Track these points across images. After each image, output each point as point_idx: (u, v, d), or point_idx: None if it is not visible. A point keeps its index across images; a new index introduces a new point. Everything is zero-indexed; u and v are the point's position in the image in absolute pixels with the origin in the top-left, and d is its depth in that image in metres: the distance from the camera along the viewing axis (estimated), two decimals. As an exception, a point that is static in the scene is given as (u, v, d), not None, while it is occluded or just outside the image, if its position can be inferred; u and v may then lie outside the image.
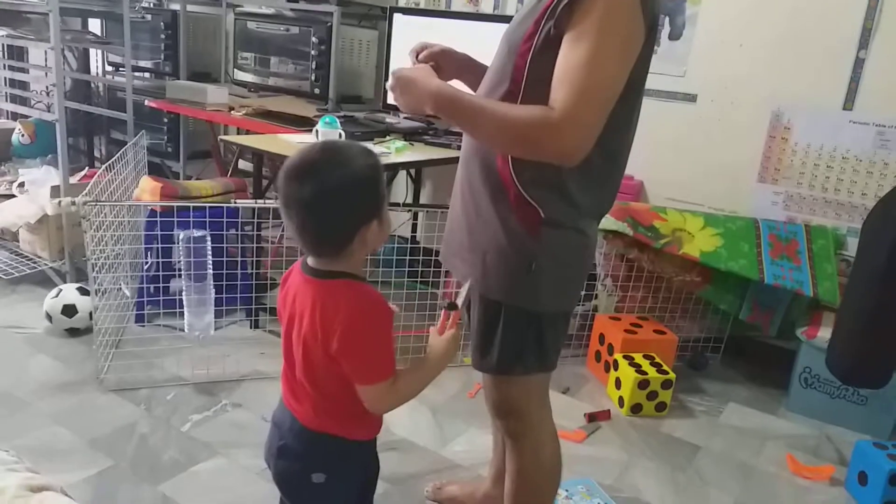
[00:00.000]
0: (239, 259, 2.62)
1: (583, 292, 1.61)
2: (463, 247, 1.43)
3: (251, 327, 2.92)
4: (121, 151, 2.98)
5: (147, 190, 2.79)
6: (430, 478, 2.05)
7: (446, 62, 1.49)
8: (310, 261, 1.24)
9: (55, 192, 3.01)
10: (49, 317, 2.71)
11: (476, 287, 1.40)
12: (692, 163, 3.05)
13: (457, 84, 1.41)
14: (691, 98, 3.04)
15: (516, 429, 1.52)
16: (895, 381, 2.26)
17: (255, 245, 2.81)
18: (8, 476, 1.26)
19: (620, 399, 2.58)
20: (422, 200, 3.70)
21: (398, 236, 3.46)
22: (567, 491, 2.05)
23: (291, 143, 2.80)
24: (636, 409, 2.54)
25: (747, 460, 2.33)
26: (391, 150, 2.77)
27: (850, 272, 2.22)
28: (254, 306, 2.87)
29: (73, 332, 2.73)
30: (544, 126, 1.19)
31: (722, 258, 2.66)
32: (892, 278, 2.01)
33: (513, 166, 1.31)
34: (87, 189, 2.39)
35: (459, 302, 1.31)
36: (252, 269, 2.88)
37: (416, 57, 1.48)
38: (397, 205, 3.33)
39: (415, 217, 3.53)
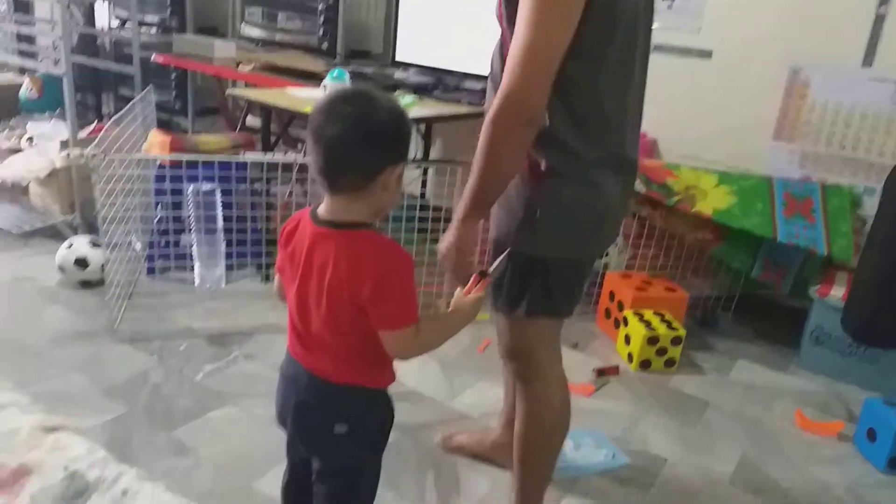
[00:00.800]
0: (249, 213, 2.62)
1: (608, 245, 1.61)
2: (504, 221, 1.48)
3: (262, 281, 2.93)
4: (129, 105, 2.95)
5: (156, 144, 2.77)
6: (439, 428, 2.08)
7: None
8: (323, 212, 1.22)
9: (64, 146, 3.00)
10: (62, 269, 2.73)
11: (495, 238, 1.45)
12: (707, 120, 3.00)
13: None
14: (706, 54, 2.98)
15: (526, 372, 1.56)
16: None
17: (264, 199, 2.80)
18: (22, 418, 1.28)
19: (630, 355, 2.58)
20: (431, 157, 3.67)
21: (408, 194, 3.44)
22: (575, 441, 2.06)
23: (300, 98, 2.77)
24: (645, 364, 2.54)
25: (756, 416, 2.34)
26: (402, 105, 2.74)
27: (869, 230, 2.19)
28: (264, 261, 2.87)
29: (86, 285, 2.75)
30: (493, 118, 1.24)
31: (735, 216, 2.64)
32: None
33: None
34: (96, 142, 2.38)
35: (491, 270, 1.35)
36: (262, 223, 2.88)
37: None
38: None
39: (424, 173, 3.51)
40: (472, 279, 1.33)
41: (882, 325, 2.14)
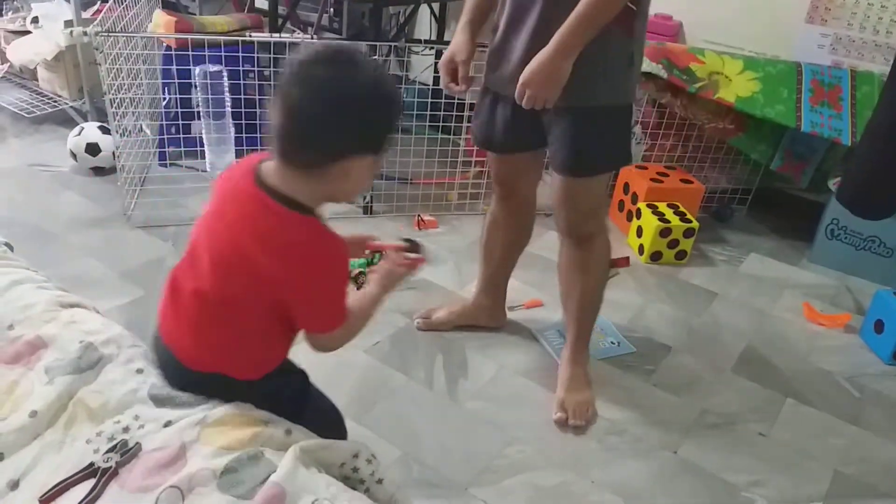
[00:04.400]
0: (257, 98, 2.56)
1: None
2: None
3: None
4: (131, -17, 2.85)
5: (161, 24, 2.69)
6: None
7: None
8: (268, 172, 1.02)
9: (69, 25, 2.93)
10: (74, 155, 2.73)
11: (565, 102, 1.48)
12: (736, 2, 2.83)
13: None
14: (741, -72, 2.77)
15: (594, 228, 1.70)
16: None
17: (272, 83, 2.73)
18: (39, 293, 1.31)
19: (640, 247, 2.58)
20: (447, 39, 3.53)
21: (419, 83, 3.34)
22: (582, 330, 2.10)
23: (308, -25, 2.64)
24: (656, 256, 2.54)
25: (763, 307, 2.35)
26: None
27: (875, 108, 2.12)
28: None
29: (99, 171, 2.76)
30: None
31: (758, 104, 2.54)
32: None
33: None
34: (99, 20, 2.31)
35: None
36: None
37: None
38: (418, 41, 3.19)
39: (437, 57, 3.38)
40: (404, 246, 1.22)
41: (873, 196, 2.10)
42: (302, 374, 1.24)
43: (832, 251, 2.60)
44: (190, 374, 1.09)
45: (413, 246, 1.24)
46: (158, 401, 1.09)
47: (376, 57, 1.07)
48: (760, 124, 2.61)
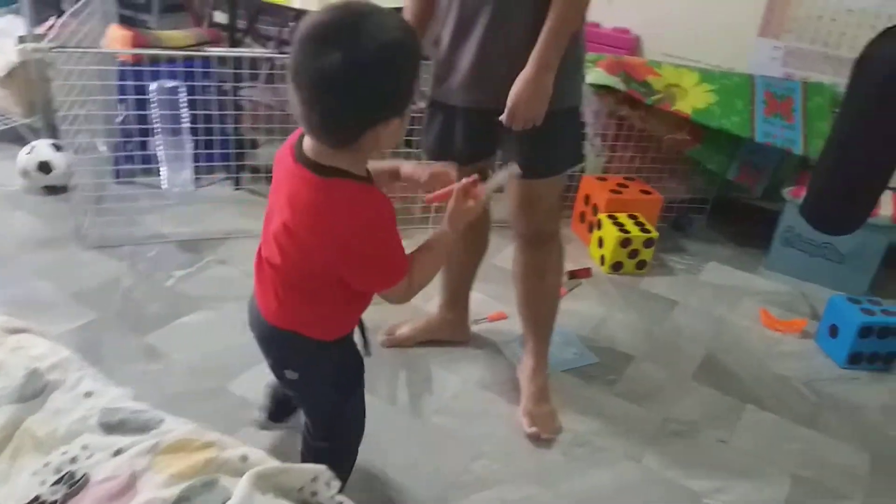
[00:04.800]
0: (216, 113, 2.53)
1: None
2: (506, 80, 1.47)
3: (233, 186, 2.88)
4: (85, -1, 2.79)
5: (116, 39, 2.64)
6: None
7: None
8: (307, 146, 1.08)
9: (21, 41, 2.86)
10: (25, 174, 2.66)
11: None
12: (691, 16, 2.89)
13: None
14: (694, -54, 2.84)
15: (552, 229, 1.73)
16: (873, 240, 2.29)
17: (232, 98, 2.70)
18: (-16, 319, 1.27)
19: (602, 258, 2.60)
20: None
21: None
22: (545, 342, 2.10)
23: (266, -11, 2.63)
24: (617, 267, 2.56)
25: (722, 314, 2.39)
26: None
27: (834, 121, 2.19)
28: (233, 163, 2.80)
29: (51, 190, 2.69)
30: None
31: (714, 115, 2.59)
32: (862, 128, 1.99)
33: None
34: (52, 35, 2.26)
35: (494, 183, 1.30)
36: (231, 124, 2.79)
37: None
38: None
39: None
40: (470, 181, 1.22)
41: (833, 212, 2.16)
42: (361, 358, 1.32)
43: (787, 258, 2.66)
44: (271, 330, 1.18)
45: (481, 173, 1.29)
46: (108, 428, 1.05)
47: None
48: (717, 135, 2.66)
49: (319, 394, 1.28)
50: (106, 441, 1.03)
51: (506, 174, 1.35)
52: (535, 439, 1.76)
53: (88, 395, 1.12)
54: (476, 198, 1.21)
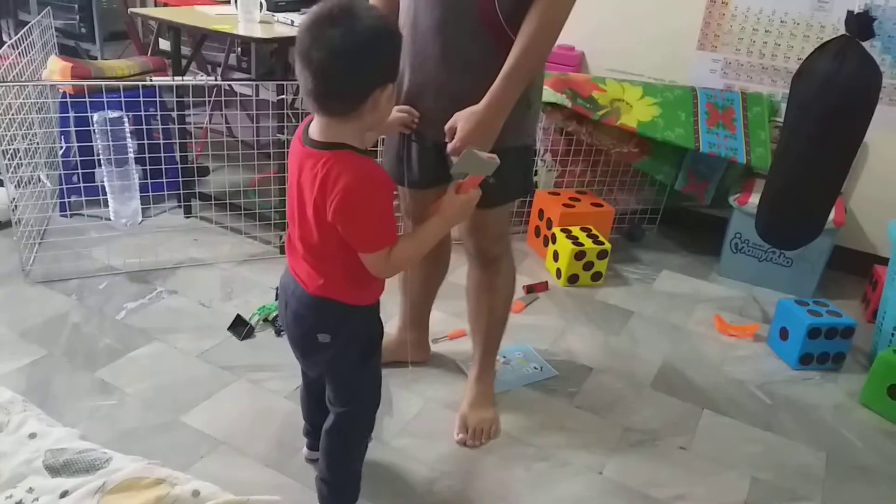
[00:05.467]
0: (162, 142, 2.50)
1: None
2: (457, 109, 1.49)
3: (184, 215, 2.84)
4: (24, 30, 2.74)
5: (56, 71, 2.59)
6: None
7: None
8: (313, 130, 1.24)
9: (-45, 76, 2.78)
10: (-36, 210, 2.57)
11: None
12: (633, 31, 2.97)
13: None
14: (632, -38, 2.92)
15: (501, 250, 1.78)
16: (818, 243, 2.37)
17: (177, 126, 2.67)
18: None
19: (558, 271, 2.63)
20: None
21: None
22: (505, 357, 2.11)
23: (210, 16, 2.62)
24: (573, 279, 2.59)
25: (677, 322, 2.43)
26: None
27: (778, 138, 2.27)
28: (182, 191, 2.76)
29: (-7, 226, 2.61)
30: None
31: (659, 128, 2.65)
32: (811, 137, 2.08)
33: (504, 19, 1.43)
34: (-13, 69, 2.21)
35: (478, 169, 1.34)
36: (178, 153, 2.75)
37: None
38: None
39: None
40: (467, 178, 1.33)
41: (783, 228, 2.25)
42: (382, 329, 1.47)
43: (737, 264, 2.73)
44: (310, 299, 1.31)
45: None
46: (54, 470, 1.02)
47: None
48: (662, 147, 2.73)
49: (344, 355, 1.38)
50: (52, 483, 1.00)
51: (484, 156, 1.34)
52: (462, 445, 1.79)
53: (32, 436, 1.09)
54: (466, 190, 1.33)
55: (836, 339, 2.21)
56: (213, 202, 2.78)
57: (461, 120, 1.45)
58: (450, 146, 1.48)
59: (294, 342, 1.42)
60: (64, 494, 0.98)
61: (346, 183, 1.18)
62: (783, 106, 2.78)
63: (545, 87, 2.65)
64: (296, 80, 1.22)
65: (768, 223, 2.28)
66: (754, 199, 2.61)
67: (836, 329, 2.19)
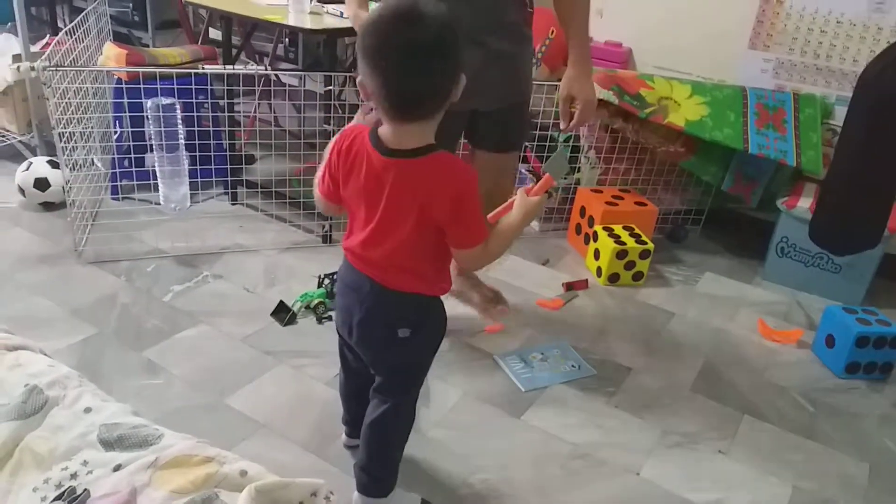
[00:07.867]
0: (211, 129, 2.54)
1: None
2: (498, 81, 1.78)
3: (230, 201, 2.89)
4: (80, 16, 2.81)
5: (111, 57, 2.66)
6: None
7: None
8: (388, 139, 1.22)
9: (16, 60, 2.87)
10: (22, 191, 2.66)
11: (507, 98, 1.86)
12: (682, 29, 2.93)
13: None
14: (684, -41, 2.87)
15: (513, 188, 1.94)
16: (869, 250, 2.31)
17: (226, 114, 2.71)
18: (-18, 337, 1.27)
19: (598, 269, 2.61)
20: None
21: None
22: (543, 354, 2.11)
23: (261, 6, 2.65)
24: (613, 278, 2.57)
25: (720, 325, 2.40)
26: None
27: (838, 138, 2.20)
28: (229, 178, 2.81)
29: (48, 206, 2.69)
30: None
31: (707, 127, 2.61)
32: (871, 144, 2.01)
33: None
34: (46, 54, 2.27)
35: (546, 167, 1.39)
36: (226, 141, 2.80)
37: None
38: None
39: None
40: (544, 178, 1.37)
41: (845, 233, 2.19)
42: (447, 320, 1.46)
43: (783, 268, 2.67)
44: (392, 296, 1.32)
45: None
46: (108, 444, 1.06)
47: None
48: (710, 147, 2.68)
49: (420, 348, 1.41)
50: (106, 457, 1.04)
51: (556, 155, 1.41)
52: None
53: (88, 410, 1.12)
54: (538, 193, 1.34)
55: (884, 349, 2.15)
56: (259, 190, 2.82)
57: (585, 91, 1.78)
58: (573, 122, 1.79)
59: (366, 342, 1.39)
60: (117, 468, 1.01)
61: (458, 185, 1.21)
62: (837, 108, 2.72)
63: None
64: (343, 72, 1.22)
65: (826, 228, 2.22)
66: (803, 203, 2.56)
67: (885, 338, 2.14)
